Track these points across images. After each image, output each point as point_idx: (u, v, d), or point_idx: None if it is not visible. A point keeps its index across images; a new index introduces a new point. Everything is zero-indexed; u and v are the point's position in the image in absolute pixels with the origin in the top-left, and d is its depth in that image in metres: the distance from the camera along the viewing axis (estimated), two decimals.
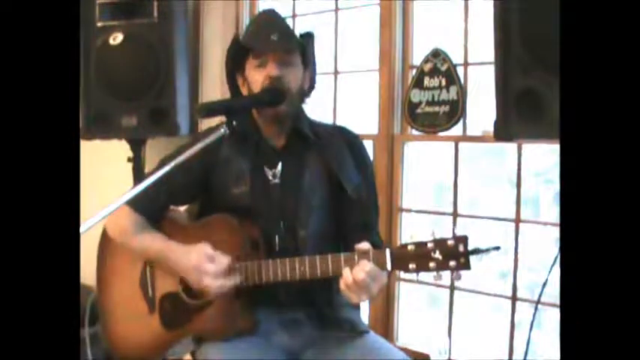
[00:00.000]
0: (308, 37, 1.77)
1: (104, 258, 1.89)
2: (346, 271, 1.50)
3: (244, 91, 1.75)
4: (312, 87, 1.81)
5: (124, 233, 1.77)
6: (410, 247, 1.50)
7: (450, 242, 1.48)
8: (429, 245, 1.49)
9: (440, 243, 1.49)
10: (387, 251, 1.52)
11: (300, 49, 1.73)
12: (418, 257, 1.49)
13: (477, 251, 1.47)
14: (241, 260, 1.64)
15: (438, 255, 1.48)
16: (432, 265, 1.48)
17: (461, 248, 1.47)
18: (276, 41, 1.67)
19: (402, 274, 1.56)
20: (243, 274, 1.63)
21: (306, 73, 1.76)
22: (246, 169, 1.72)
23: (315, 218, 1.72)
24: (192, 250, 1.65)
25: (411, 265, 1.50)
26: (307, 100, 1.81)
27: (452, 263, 1.47)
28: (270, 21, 1.76)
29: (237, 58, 1.74)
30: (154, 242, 1.74)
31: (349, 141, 1.81)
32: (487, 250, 1.48)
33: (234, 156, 1.73)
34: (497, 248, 1.49)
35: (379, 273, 1.50)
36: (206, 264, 1.61)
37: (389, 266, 1.51)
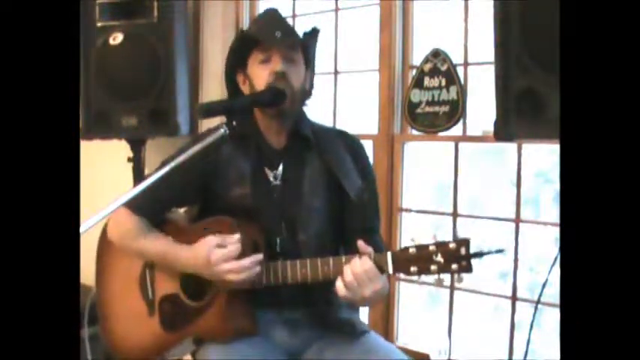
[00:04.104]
0: (312, 34, 1.76)
1: (103, 259, 1.88)
2: (345, 269, 1.50)
3: (245, 90, 1.74)
4: (311, 89, 1.81)
5: (125, 237, 1.76)
6: (411, 250, 1.50)
7: (452, 245, 1.47)
8: (431, 248, 1.48)
9: (441, 246, 1.48)
10: (389, 254, 1.52)
11: (303, 48, 1.73)
12: (419, 260, 1.49)
13: (478, 254, 1.47)
14: None
15: (439, 258, 1.47)
16: (433, 268, 1.48)
17: (462, 251, 1.46)
18: (280, 37, 1.67)
19: (402, 274, 1.55)
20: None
21: (307, 73, 1.76)
22: (246, 170, 1.72)
23: (316, 221, 1.72)
24: (199, 244, 1.63)
25: (413, 268, 1.49)
26: (307, 102, 1.81)
27: (454, 266, 1.47)
28: (274, 20, 1.76)
29: (239, 53, 1.74)
30: (158, 244, 1.72)
31: (350, 145, 1.81)
32: (489, 253, 1.48)
33: (235, 157, 1.73)
34: (501, 251, 1.48)
35: (377, 274, 1.50)
36: (216, 250, 1.60)
37: (390, 269, 1.51)
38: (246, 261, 1.58)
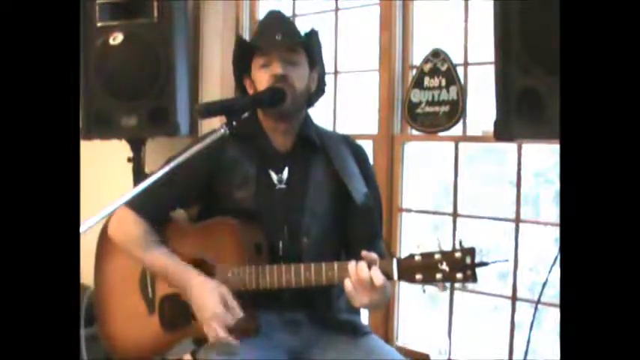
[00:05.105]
0: (312, 35, 1.76)
1: (103, 259, 1.88)
2: (354, 271, 1.49)
3: (251, 93, 1.75)
4: (320, 90, 1.80)
5: (129, 243, 1.75)
6: (417, 258, 1.49)
7: (458, 254, 1.46)
8: (436, 256, 1.47)
9: (447, 255, 1.47)
10: (394, 261, 1.51)
11: (306, 48, 1.73)
12: (425, 268, 1.48)
13: (483, 264, 1.46)
14: (245, 264, 1.63)
15: (444, 267, 1.46)
16: (438, 276, 1.47)
17: (468, 260, 1.46)
18: (280, 40, 1.67)
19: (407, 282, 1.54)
20: (246, 277, 1.62)
21: (312, 74, 1.75)
22: (251, 172, 1.71)
23: (319, 225, 1.71)
24: (211, 291, 1.61)
25: (418, 276, 1.48)
26: (317, 102, 1.80)
27: (459, 275, 1.46)
28: (275, 21, 1.76)
29: (243, 59, 1.74)
30: (163, 263, 1.70)
31: (355, 151, 1.81)
32: (494, 263, 1.47)
33: (240, 159, 1.72)
34: (505, 260, 1.48)
35: (387, 284, 1.49)
36: (222, 312, 1.58)
37: (395, 276, 1.50)
38: (230, 340, 1.58)
